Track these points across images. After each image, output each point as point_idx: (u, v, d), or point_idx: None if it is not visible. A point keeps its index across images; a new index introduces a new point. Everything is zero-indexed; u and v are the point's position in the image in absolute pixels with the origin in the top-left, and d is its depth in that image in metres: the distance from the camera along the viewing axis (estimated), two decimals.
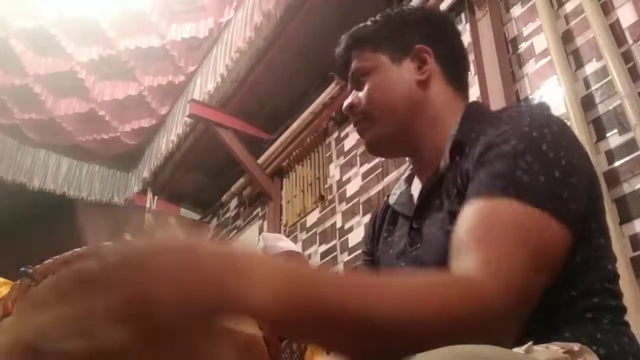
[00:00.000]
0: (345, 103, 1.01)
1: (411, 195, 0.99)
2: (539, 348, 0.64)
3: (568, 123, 1.95)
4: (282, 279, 0.46)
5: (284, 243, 2.29)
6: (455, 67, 1.01)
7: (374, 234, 1.09)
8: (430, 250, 0.86)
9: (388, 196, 1.09)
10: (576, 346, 0.65)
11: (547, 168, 0.71)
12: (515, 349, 0.63)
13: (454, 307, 0.56)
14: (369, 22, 1.04)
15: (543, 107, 0.85)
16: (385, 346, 0.52)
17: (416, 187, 1.00)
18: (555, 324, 0.72)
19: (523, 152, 0.72)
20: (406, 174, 1.08)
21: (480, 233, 0.66)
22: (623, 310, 0.80)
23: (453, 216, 0.81)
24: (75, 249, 0.50)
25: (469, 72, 1.07)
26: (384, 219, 1.05)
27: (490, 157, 0.75)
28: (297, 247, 2.40)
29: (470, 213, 0.70)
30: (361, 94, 0.98)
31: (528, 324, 0.69)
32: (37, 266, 0.48)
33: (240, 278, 0.43)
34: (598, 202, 0.82)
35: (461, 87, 1.01)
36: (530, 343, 0.64)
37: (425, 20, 1.03)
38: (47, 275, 0.48)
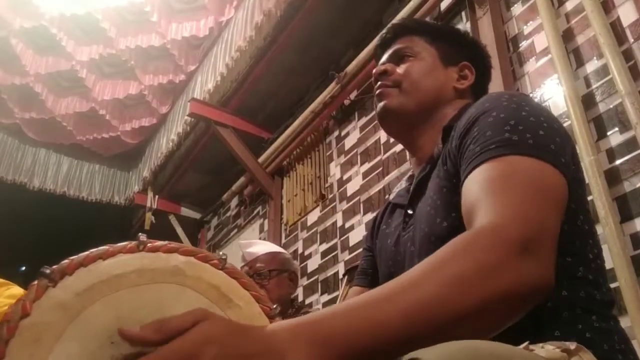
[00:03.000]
0: (380, 67, 1.08)
1: (409, 189, 1.04)
2: (535, 347, 0.65)
3: (569, 122, 1.96)
4: (316, 350, 0.48)
5: (261, 247, 2.31)
6: (482, 89, 1.12)
7: (373, 230, 1.14)
8: (420, 227, 0.90)
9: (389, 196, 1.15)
10: (572, 345, 0.66)
11: (532, 128, 0.76)
12: None
13: (484, 258, 0.57)
14: (435, 22, 1.14)
15: (523, 93, 0.89)
16: (445, 329, 0.52)
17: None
18: (545, 323, 0.73)
19: (506, 118, 0.78)
20: (408, 174, 1.14)
21: (490, 189, 0.69)
22: (610, 303, 0.81)
23: (441, 191, 0.87)
24: (92, 250, 0.51)
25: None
26: (384, 216, 1.11)
27: (477, 130, 0.80)
28: (276, 247, 2.42)
29: (473, 180, 0.73)
30: (400, 68, 1.06)
31: (517, 322, 0.71)
32: (55, 266, 0.49)
33: None
34: (578, 182, 0.83)
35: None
36: (526, 343, 0.65)
37: (478, 48, 1.14)
38: (65, 276, 0.49)
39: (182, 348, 0.45)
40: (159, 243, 0.52)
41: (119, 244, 0.51)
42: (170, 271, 0.51)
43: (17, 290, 1.81)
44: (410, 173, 1.13)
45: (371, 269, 1.11)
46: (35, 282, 0.49)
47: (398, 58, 1.08)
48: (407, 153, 1.14)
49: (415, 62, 1.06)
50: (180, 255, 0.52)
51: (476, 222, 0.66)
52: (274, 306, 0.54)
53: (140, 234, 0.52)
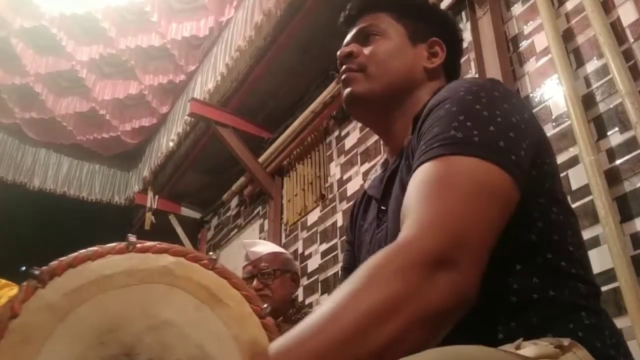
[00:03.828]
0: (344, 49, 1.01)
1: (382, 178, 0.99)
2: (529, 344, 0.64)
3: (569, 121, 1.96)
4: None
5: (265, 247, 2.33)
6: (454, 67, 1.07)
7: (352, 224, 1.10)
8: (390, 226, 0.88)
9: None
10: (566, 341, 0.65)
11: (481, 124, 0.71)
12: (506, 346, 0.64)
13: (392, 285, 0.55)
14: None
15: (492, 80, 0.84)
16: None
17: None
18: (536, 326, 0.71)
19: (456, 112, 0.73)
20: (382, 159, 1.09)
21: (418, 195, 0.66)
22: (597, 295, 0.79)
23: (403, 189, 0.82)
24: (81, 250, 0.50)
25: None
26: (361, 208, 1.07)
27: (429, 124, 0.76)
28: (278, 248, 2.45)
29: (412, 181, 0.70)
30: (366, 49, 1.00)
31: (507, 326, 0.69)
32: (44, 267, 0.49)
33: None
34: (547, 175, 0.80)
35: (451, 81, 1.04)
36: (520, 339, 0.64)
37: (448, 23, 1.09)
38: (54, 277, 0.48)
39: None
40: (148, 244, 0.52)
41: (108, 245, 0.51)
42: (160, 271, 0.51)
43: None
44: (385, 158, 1.08)
45: (352, 265, 1.07)
46: (25, 283, 0.49)
47: (363, 37, 1.02)
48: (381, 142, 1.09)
49: (382, 41, 0.99)
50: (170, 255, 0.52)
51: (400, 232, 0.63)
52: (265, 306, 0.53)
53: (129, 234, 0.52)
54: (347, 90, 0.99)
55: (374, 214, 0.98)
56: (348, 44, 1.04)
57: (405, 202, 0.68)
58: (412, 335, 0.53)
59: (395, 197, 0.88)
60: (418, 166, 0.71)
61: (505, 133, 0.71)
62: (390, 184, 0.93)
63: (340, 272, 1.12)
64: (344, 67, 1.01)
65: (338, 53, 1.03)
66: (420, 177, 0.69)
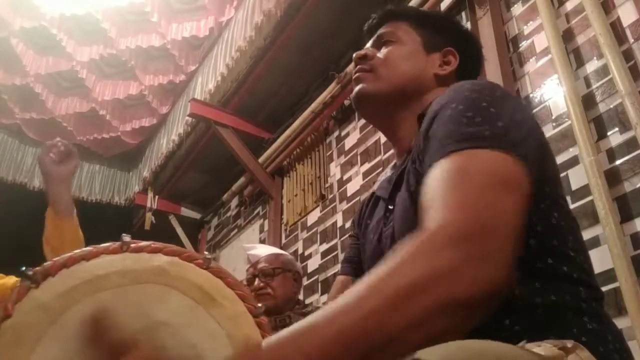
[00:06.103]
0: (360, 52, 1.07)
1: (391, 179, 1.01)
2: (532, 346, 0.64)
3: (569, 122, 1.95)
4: None
5: (264, 249, 2.39)
6: (469, 76, 1.07)
7: (359, 220, 1.13)
8: (397, 225, 0.89)
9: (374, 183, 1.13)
10: (569, 343, 0.65)
11: (490, 119, 0.72)
12: None
13: (422, 265, 0.52)
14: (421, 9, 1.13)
15: (492, 82, 0.86)
16: (383, 348, 0.48)
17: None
18: (539, 331, 0.70)
19: (464, 110, 0.74)
20: (393, 162, 1.12)
21: (439, 188, 0.65)
22: (599, 299, 0.79)
23: (410, 189, 0.85)
24: (76, 250, 0.50)
25: None
26: (368, 207, 1.10)
27: (436, 125, 0.77)
28: (278, 250, 2.52)
29: (429, 178, 0.69)
30: (380, 53, 1.05)
31: (511, 330, 0.69)
32: (37, 268, 0.48)
33: None
34: (548, 180, 0.81)
35: None
36: (524, 342, 0.64)
37: (464, 36, 1.12)
38: (47, 277, 0.48)
39: None
40: (143, 243, 0.52)
41: (102, 245, 0.51)
42: (154, 271, 0.50)
43: (11, 281, 1.81)
44: (394, 161, 1.11)
45: (356, 257, 1.10)
46: (18, 283, 0.48)
47: (380, 43, 1.07)
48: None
49: (395, 46, 1.04)
50: (164, 255, 0.52)
51: (424, 223, 0.61)
52: (259, 305, 0.53)
53: (123, 234, 0.52)
54: (356, 88, 1.03)
55: (381, 213, 1.00)
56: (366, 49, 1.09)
57: (425, 196, 0.67)
58: (433, 321, 0.50)
59: (402, 198, 0.90)
60: (432, 165, 0.70)
61: (513, 128, 0.72)
62: (398, 185, 0.95)
63: (342, 264, 1.15)
64: (357, 67, 1.05)
65: (354, 55, 1.07)
66: (438, 173, 0.68)
